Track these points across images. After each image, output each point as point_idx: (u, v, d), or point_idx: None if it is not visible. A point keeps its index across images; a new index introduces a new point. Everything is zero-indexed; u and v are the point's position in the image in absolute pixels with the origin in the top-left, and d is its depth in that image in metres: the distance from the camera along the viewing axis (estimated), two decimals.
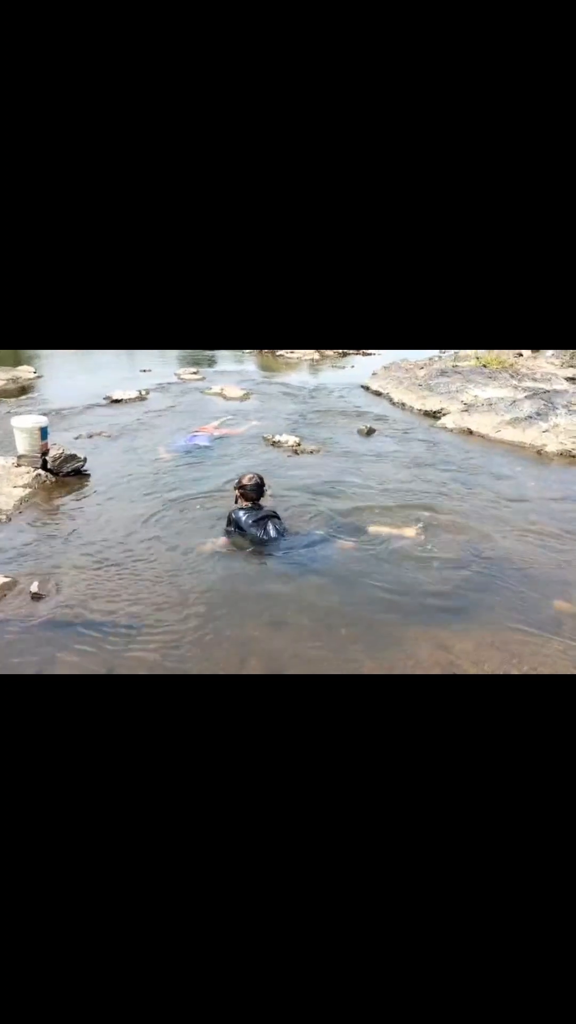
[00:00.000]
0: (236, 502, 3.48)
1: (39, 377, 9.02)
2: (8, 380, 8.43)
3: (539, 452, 5.32)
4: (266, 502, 3.56)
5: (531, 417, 5.87)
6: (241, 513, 3.38)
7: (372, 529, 3.57)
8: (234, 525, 3.39)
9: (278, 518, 3.44)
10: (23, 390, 8.07)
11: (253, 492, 3.43)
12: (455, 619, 2.78)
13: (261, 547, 3.29)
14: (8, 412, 6.30)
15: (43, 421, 4.50)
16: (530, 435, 5.55)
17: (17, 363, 9.89)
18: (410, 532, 3.56)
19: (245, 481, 3.45)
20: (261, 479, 3.50)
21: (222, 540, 3.38)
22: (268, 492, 3.56)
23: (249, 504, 3.43)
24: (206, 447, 5.28)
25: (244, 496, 3.44)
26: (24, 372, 9.06)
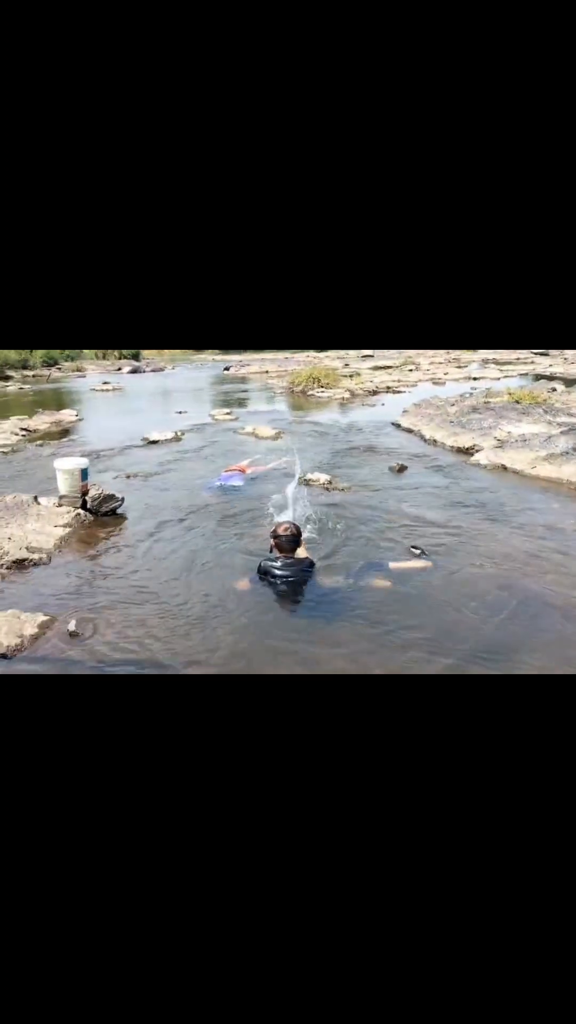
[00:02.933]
0: (271, 550, 3.40)
1: (80, 420, 9.42)
2: (51, 423, 8.84)
3: None
4: (305, 549, 3.46)
5: (567, 453, 5.77)
6: (272, 564, 3.30)
7: (393, 565, 3.52)
8: (263, 574, 3.32)
9: (310, 571, 3.31)
10: (65, 432, 8.43)
11: (287, 544, 3.32)
12: (493, 661, 2.68)
13: (293, 592, 3.26)
14: (52, 454, 6.58)
15: (84, 463, 4.68)
16: (567, 471, 5.44)
17: (60, 406, 10.38)
18: (416, 563, 3.55)
19: (280, 531, 3.35)
20: (297, 529, 3.38)
21: (248, 583, 3.35)
22: (314, 530, 3.48)
23: (283, 555, 3.33)
24: (240, 485, 5.37)
25: (278, 547, 3.35)
26: (66, 415, 9.50)
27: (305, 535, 3.54)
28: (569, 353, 20.55)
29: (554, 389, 10.57)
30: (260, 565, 3.36)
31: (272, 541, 3.40)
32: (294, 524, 3.43)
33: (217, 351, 27.72)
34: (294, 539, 3.34)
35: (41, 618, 2.96)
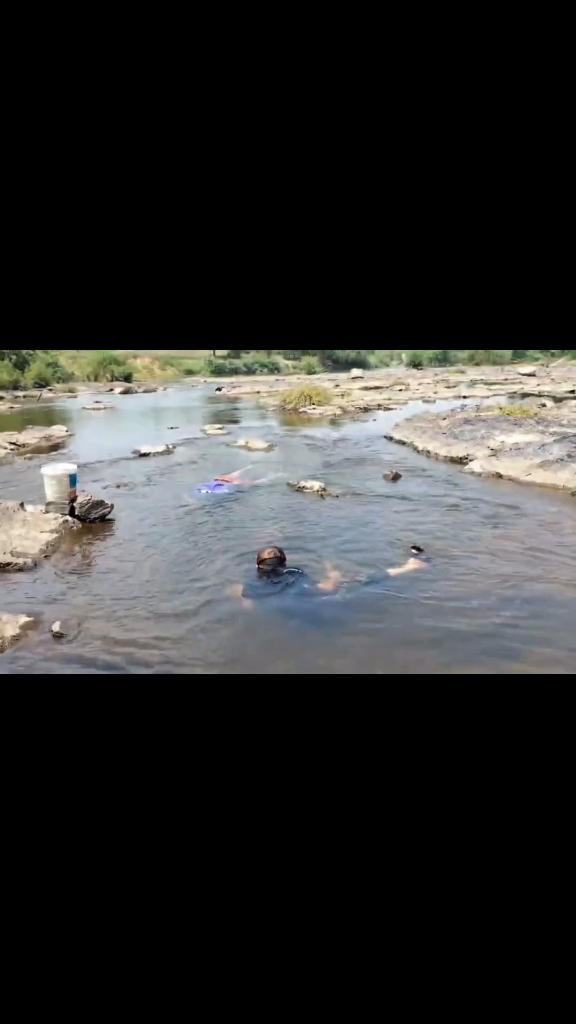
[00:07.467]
0: (258, 577, 3.34)
1: (70, 435, 9.34)
2: (41, 438, 8.74)
3: (573, 494, 5.16)
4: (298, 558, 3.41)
5: (562, 460, 5.76)
6: (257, 584, 3.25)
7: (392, 572, 3.42)
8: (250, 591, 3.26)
9: (298, 572, 3.27)
10: (55, 447, 8.33)
11: (269, 566, 3.32)
12: (498, 659, 2.57)
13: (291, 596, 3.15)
14: (39, 465, 6.46)
15: (72, 468, 4.57)
16: (563, 477, 5.41)
17: (50, 422, 10.30)
18: (412, 564, 3.49)
19: (265, 555, 3.35)
20: (281, 554, 3.38)
21: (240, 590, 3.25)
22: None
23: (268, 578, 3.29)
24: (229, 493, 5.28)
25: (261, 572, 3.32)
26: (56, 431, 9.40)
27: (291, 558, 3.47)
28: (556, 373, 20.92)
29: (543, 404, 10.68)
30: (245, 587, 3.28)
31: (257, 567, 3.37)
32: (277, 548, 3.42)
33: (209, 375, 28.06)
34: (278, 562, 3.37)
35: (23, 619, 2.81)
